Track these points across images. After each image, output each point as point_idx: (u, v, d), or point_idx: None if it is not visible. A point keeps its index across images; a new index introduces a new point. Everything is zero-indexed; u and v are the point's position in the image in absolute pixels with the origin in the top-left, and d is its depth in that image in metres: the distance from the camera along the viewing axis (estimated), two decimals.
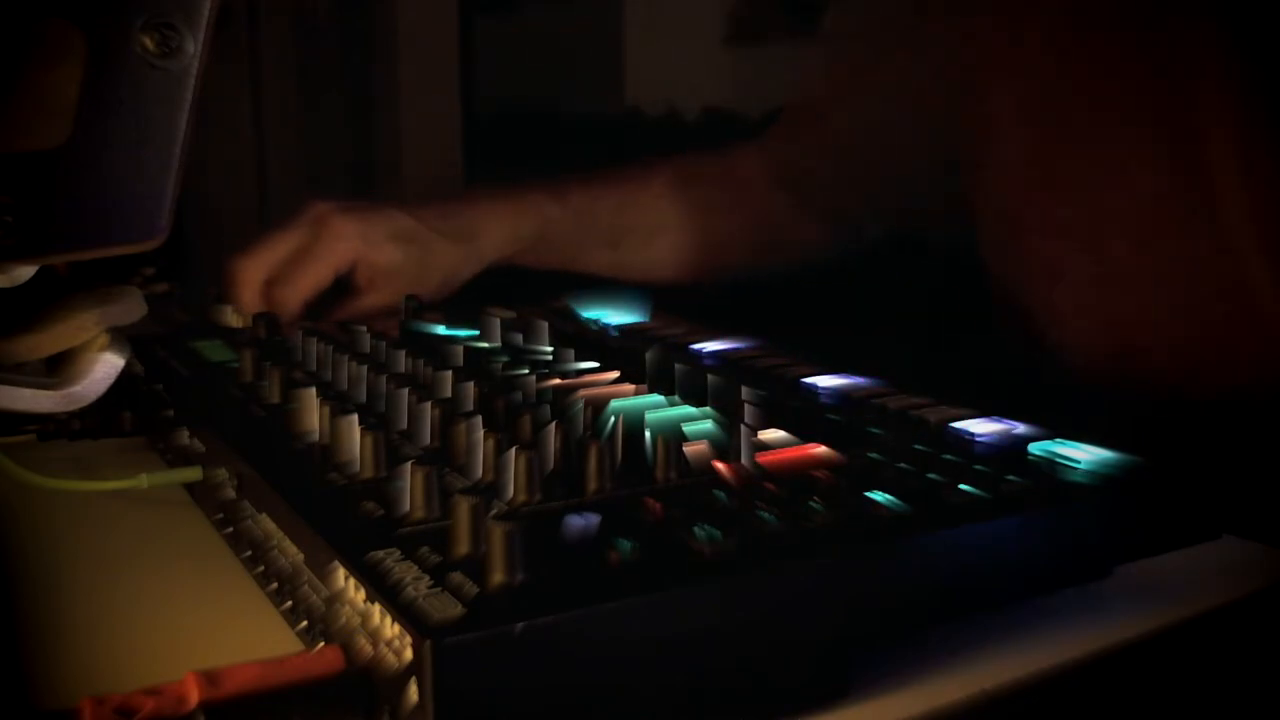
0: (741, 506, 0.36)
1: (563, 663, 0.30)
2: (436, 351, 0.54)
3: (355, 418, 0.41)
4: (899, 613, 0.35)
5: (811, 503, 0.36)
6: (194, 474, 0.49)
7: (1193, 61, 0.66)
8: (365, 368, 0.50)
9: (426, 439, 0.44)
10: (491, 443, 0.40)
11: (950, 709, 0.35)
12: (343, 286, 0.75)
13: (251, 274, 0.72)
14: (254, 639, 0.38)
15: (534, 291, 0.75)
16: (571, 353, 0.55)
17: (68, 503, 0.49)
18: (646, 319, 0.67)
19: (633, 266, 0.86)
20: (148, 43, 0.31)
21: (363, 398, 0.49)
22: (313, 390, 0.46)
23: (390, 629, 0.30)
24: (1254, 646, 0.42)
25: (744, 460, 0.41)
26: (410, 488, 0.36)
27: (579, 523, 0.35)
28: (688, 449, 0.41)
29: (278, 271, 0.72)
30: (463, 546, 0.33)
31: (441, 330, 0.62)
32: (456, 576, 0.31)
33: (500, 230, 0.81)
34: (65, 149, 0.31)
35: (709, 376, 0.48)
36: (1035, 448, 0.42)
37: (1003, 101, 0.74)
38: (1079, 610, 0.40)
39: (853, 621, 0.34)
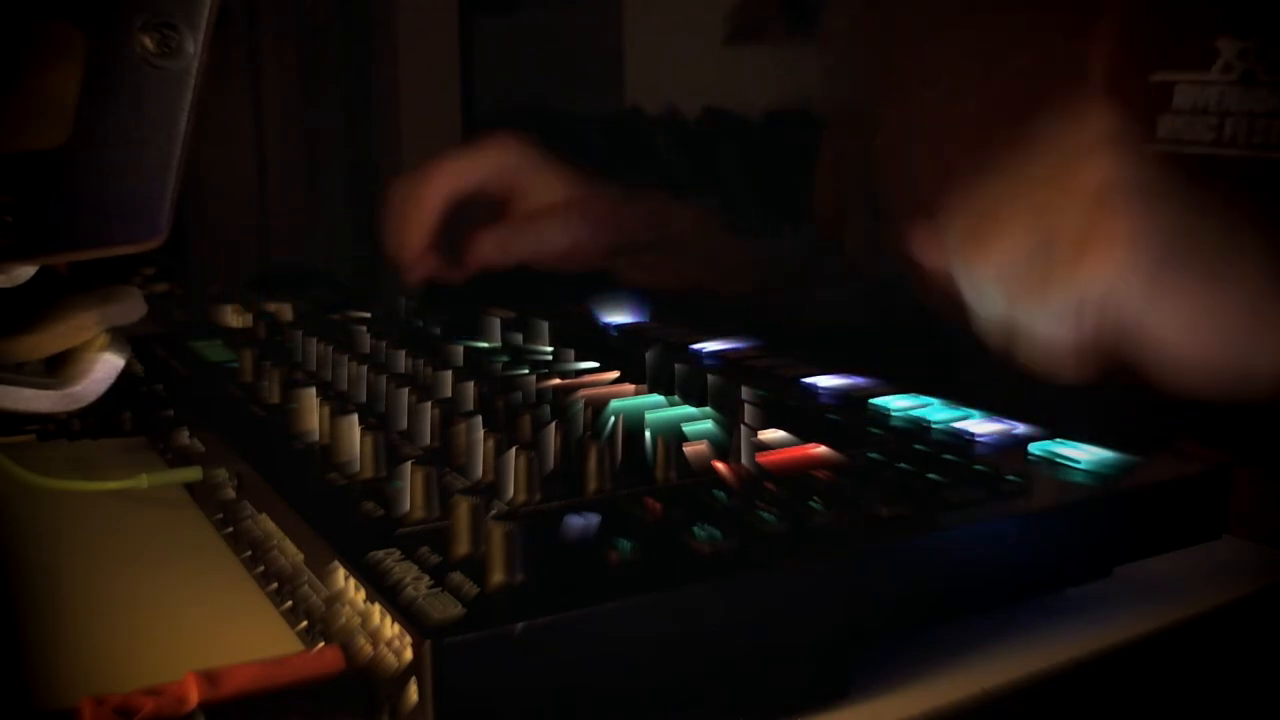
0: (741, 506, 0.36)
1: (563, 663, 0.30)
2: (436, 351, 0.54)
3: (355, 418, 0.41)
4: (899, 613, 0.35)
5: (811, 503, 0.36)
6: (194, 474, 0.49)
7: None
8: (365, 368, 0.50)
9: (426, 439, 0.44)
10: (491, 443, 0.40)
11: (950, 709, 0.35)
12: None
13: (404, 183, 0.70)
14: (254, 639, 0.38)
15: (533, 293, 0.75)
16: (571, 353, 0.55)
17: (68, 503, 0.49)
18: (646, 319, 0.67)
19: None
20: (148, 43, 0.31)
21: (363, 398, 0.49)
22: (313, 390, 0.46)
23: (390, 629, 0.30)
24: (1254, 646, 0.42)
25: (744, 460, 0.41)
26: (410, 488, 0.36)
27: (579, 523, 0.35)
28: (688, 449, 0.41)
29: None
30: (463, 546, 0.33)
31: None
32: (456, 576, 0.31)
33: (672, 206, 0.78)
34: (65, 149, 0.31)
35: (709, 376, 0.48)
36: (1035, 448, 0.42)
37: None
38: (1079, 610, 0.40)
39: (853, 621, 0.34)
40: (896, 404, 0.48)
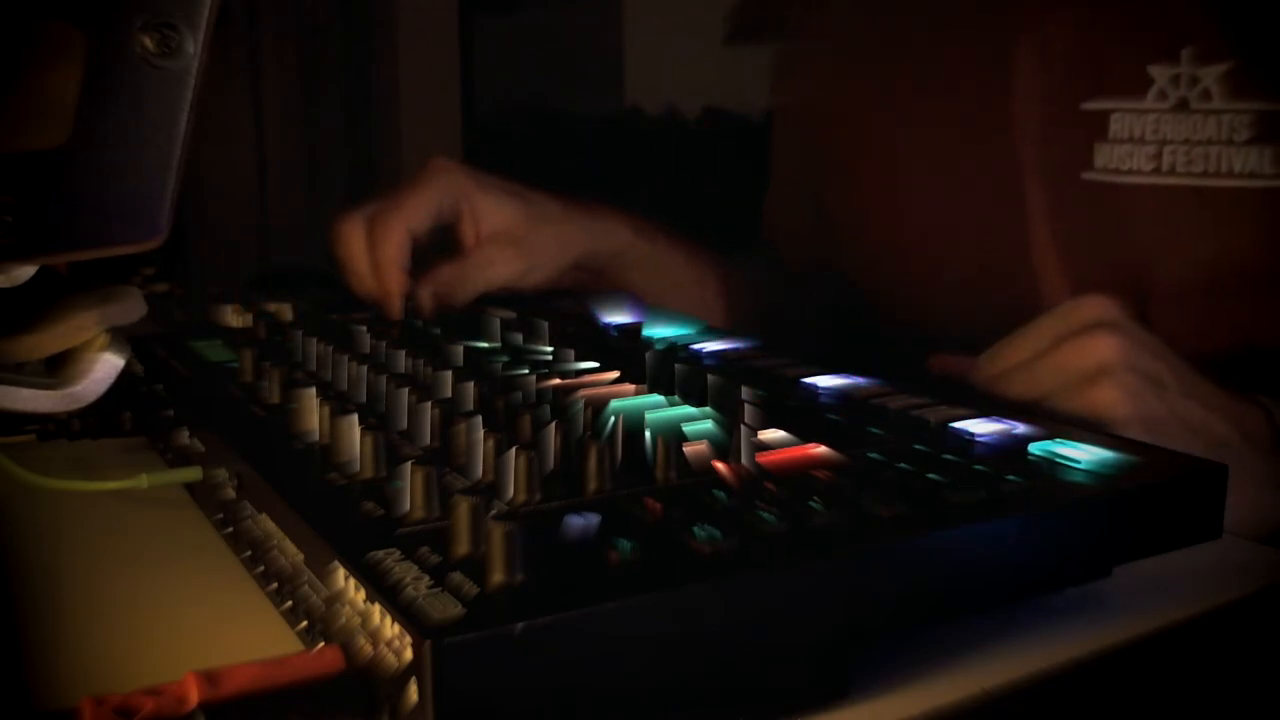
0: (741, 506, 0.36)
1: (563, 663, 0.30)
2: (436, 351, 0.54)
3: (355, 418, 0.41)
4: (899, 613, 0.35)
5: (811, 503, 0.36)
6: (194, 474, 0.49)
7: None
8: (365, 368, 0.50)
9: (426, 439, 0.44)
10: (491, 443, 0.40)
11: (950, 709, 0.35)
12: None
13: (354, 225, 0.69)
14: (254, 639, 0.38)
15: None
16: (571, 353, 0.55)
17: (68, 503, 0.49)
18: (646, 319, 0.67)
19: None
20: (148, 43, 0.31)
21: (363, 398, 0.49)
22: (313, 390, 0.46)
23: (390, 629, 0.30)
24: (1254, 646, 0.42)
25: (744, 460, 0.41)
26: (410, 488, 0.36)
27: (579, 523, 0.35)
28: (688, 449, 0.41)
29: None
30: (463, 546, 0.33)
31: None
32: (456, 576, 0.31)
33: (622, 220, 0.78)
34: (65, 149, 0.31)
35: (709, 376, 0.48)
36: (1035, 448, 0.42)
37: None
38: (1079, 610, 0.40)
39: (853, 621, 0.34)
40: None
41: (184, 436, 0.51)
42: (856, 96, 0.82)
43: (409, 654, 0.29)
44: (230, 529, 0.45)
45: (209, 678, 0.30)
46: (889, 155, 0.80)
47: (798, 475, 0.39)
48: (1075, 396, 0.52)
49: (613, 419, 0.42)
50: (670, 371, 0.50)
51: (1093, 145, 0.67)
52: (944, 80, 0.76)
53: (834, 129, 0.84)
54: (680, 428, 0.42)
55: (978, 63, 0.74)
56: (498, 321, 0.61)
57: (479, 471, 0.40)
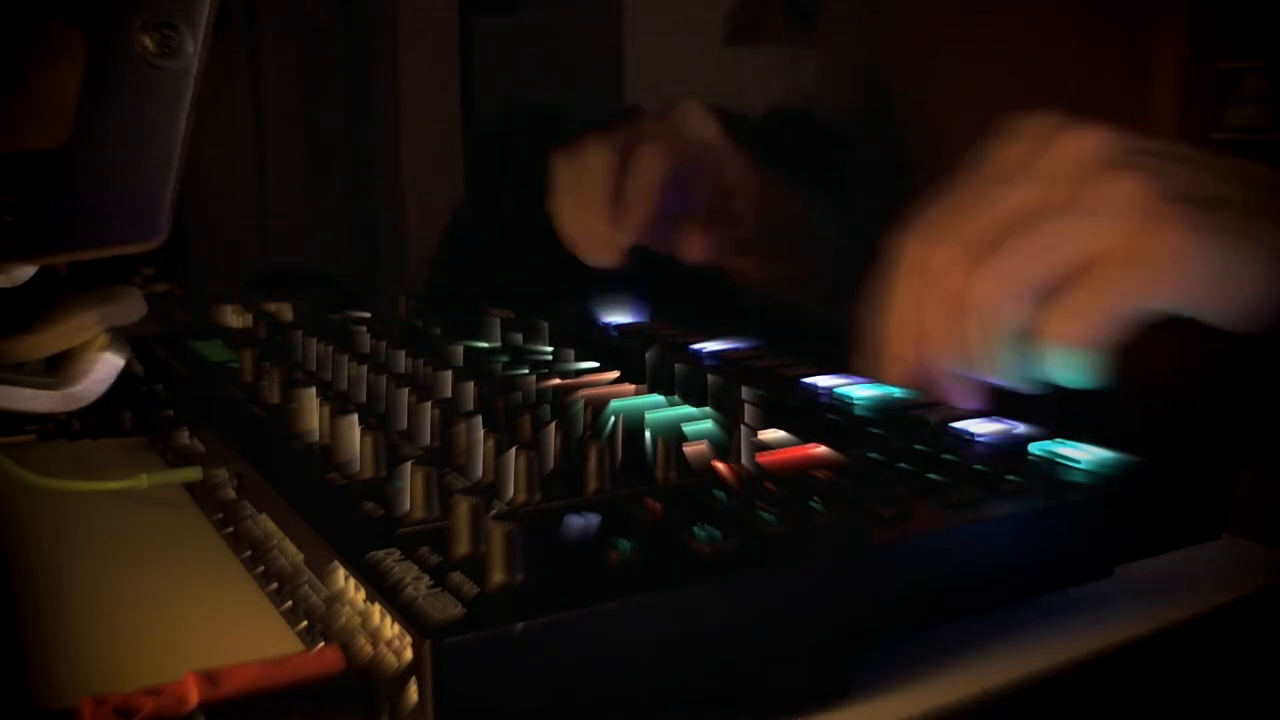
0: (741, 506, 0.36)
1: (563, 663, 0.30)
2: (436, 351, 0.54)
3: (355, 418, 0.41)
4: (899, 613, 0.35)
5: (811, 503, 0.36)
6: (194, 474, 0.49)
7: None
8: (365, 368, 0.50)
9: (426, 439, 0.44)
10: (491, 443, 0.40)
11: (950, 709, 0.35)
12: None
13: (603, 144, 0.63)
14: (254, 639, 0.38)
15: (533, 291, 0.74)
16: (571, 353, 0.55)
17: (68, 503, 0.49)
18: (646, 319, 0.67)
19: None
20: (148, 43, 0.31)
21: (363, 398, 0.49)
22: (313, 390, 0.46)
23: (390, 629, 0.30)
24: (1254, 646, 0.42)
25: (744, 460, 0.41)
26: (410, 488, 0.36)
27: (579, 523, 0.35)
28: (688, 449, 0.41)
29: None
30: (463, 546, 0.33)
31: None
32: (456, 576, 0.31)
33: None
34: (65, 149, 0.31)
35: (709, 376, 0.48)
36: (1035, 448, 0.42)
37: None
38: (1079, 610, 0.40)
39: (852, 621, 0.34)
40: None
41: (184, 436, 0.51)
42: (975, 55, 0.79)
43: (409, 654, 0.29)
44: (230, 529, 0.45)
45: (209, 678, 0.30)
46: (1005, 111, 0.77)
47: (798, 475, 0.39)
48: (1128, 243, 0.43)
49: (613, 419, 0.42)
50: (670, 371, 0.50)
51: (1226, 105, 0.65)
52: (1067, 45, 0.74)
53: (951, 89, 0.81)
54: (680, 428, 0.42)
55: (1119, 26, 0.72)
56: (498, 321, 0.61)
57: (479, 471, 0.40)
